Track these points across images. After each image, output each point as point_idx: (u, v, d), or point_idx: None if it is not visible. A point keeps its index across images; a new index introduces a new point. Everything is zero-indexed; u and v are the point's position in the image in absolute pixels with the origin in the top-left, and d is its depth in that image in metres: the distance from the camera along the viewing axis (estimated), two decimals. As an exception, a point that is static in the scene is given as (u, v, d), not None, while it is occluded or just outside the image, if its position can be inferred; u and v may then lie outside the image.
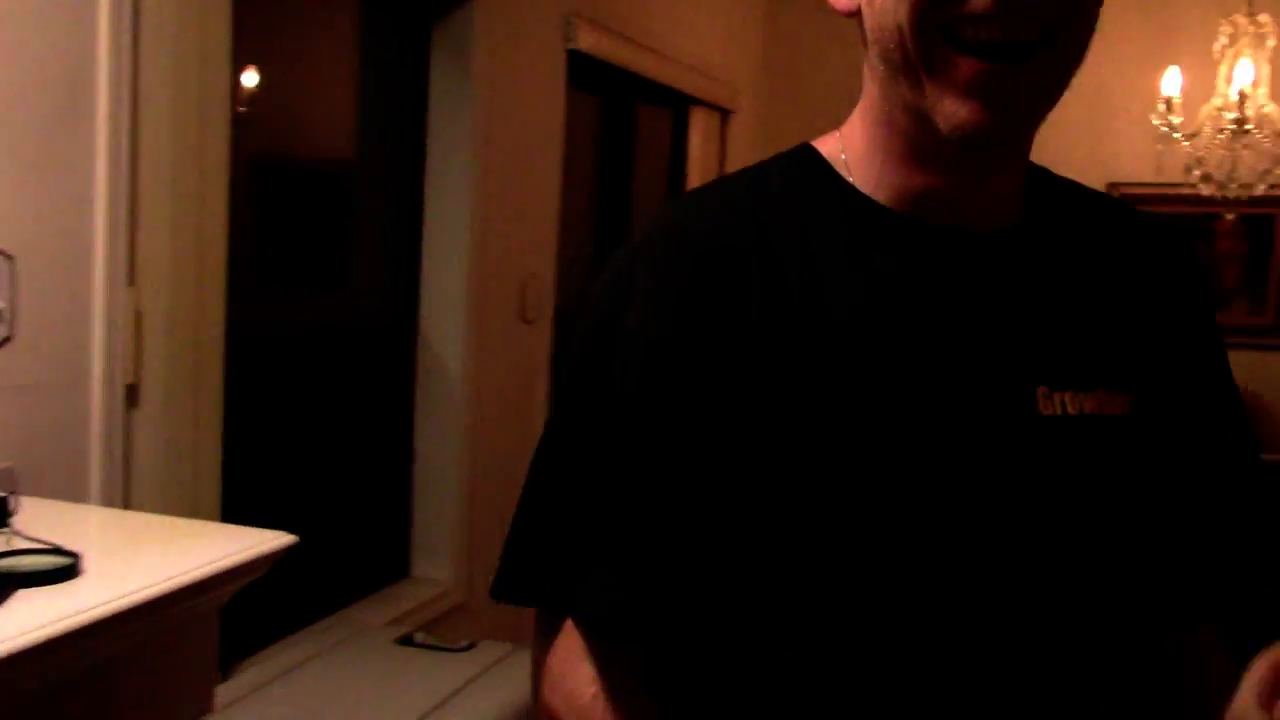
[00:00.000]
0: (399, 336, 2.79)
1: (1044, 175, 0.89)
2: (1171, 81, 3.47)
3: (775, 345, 0.76)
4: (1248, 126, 3.30)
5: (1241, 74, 3.29)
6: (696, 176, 4.35)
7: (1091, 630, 0.79)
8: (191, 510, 1.92)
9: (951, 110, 0.74)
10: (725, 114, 4.50)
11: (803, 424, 0.75)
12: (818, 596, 0.75)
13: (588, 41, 3.23)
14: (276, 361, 2.42)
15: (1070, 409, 0.79)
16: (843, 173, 0.83)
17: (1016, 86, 0.73)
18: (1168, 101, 3.47)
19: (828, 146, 0.86)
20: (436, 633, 2.65)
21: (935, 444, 0.76)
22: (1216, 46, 3.50)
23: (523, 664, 2.02)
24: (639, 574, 0.76)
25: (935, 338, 0.78)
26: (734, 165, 4.79)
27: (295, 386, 2.50)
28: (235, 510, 2.05)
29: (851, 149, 0.84)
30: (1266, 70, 3.38)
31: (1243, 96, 3.28)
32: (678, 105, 4.27)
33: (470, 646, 2.03)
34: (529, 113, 3.05)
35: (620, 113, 3.91)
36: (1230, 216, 4.04)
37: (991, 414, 0.78)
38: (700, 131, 4.34)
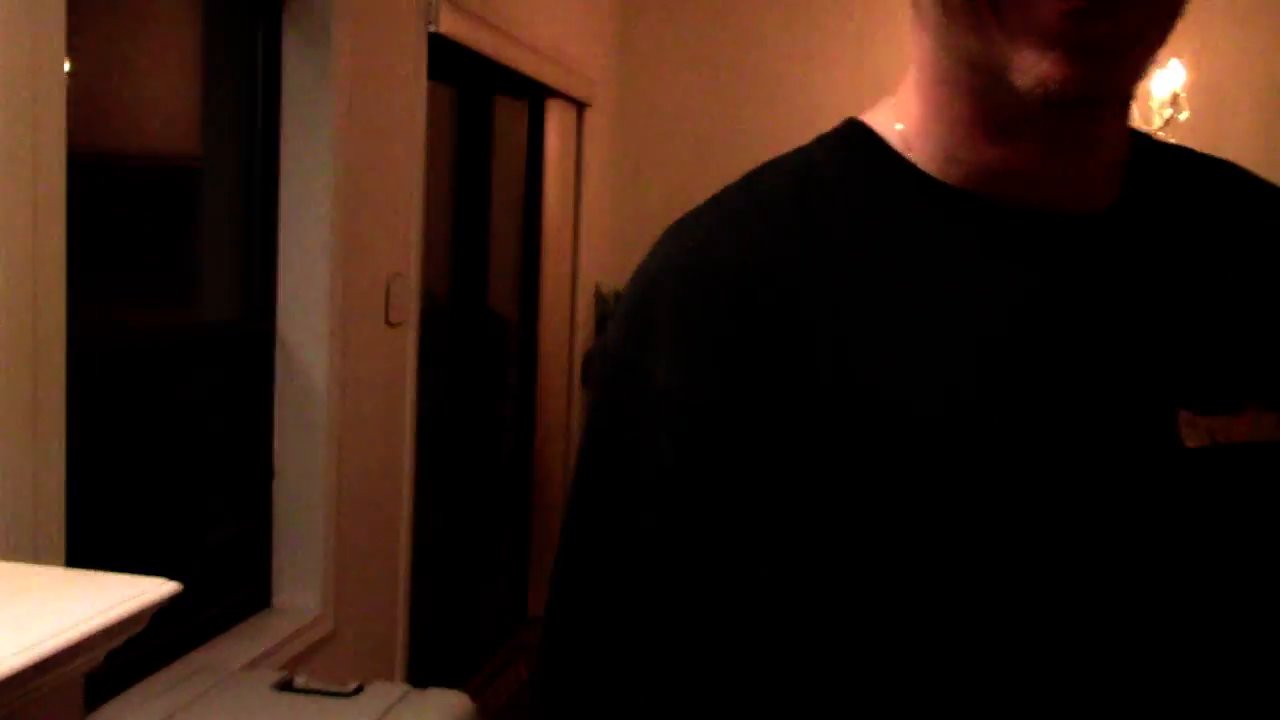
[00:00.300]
0: (255, 343, 2.54)
1: (1145, 141, 0.72)
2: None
3: (849, 389, 0.60)
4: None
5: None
6: (554, 172, 4.20)
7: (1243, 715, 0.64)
8: (32, 553, 1.67)
9: (1030, 63, 0.58)
10: (581, 107, 4.36)
11: (897, 488, 0.59)
12: (930, 703, 0.60)
13: (449, 24, 3.03)
14: (114, 374, 2.15)
15: (1219, 437, 0.62)
16: (901, 150, 0.67)
17: (1113, 31, 0.57)
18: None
19: (880, 119, 0.69)
20: (307, 669, 2.43)
21: (1070, 500, 0.60)
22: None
23: (422, 706, 1.84)
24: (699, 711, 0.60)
25: (1052, 359, 0.62)
26: (590, 161, 4.66)
27: (137, 401, 2.24)
28: (74, 542, 1.80)
29: (909, 119, 0.67)
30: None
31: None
32: (534, 97, 4.10)
33: (360, 689, 1.82)
34: (390, 100, 2.84)
35: (478, 105, 3.71)
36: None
37: (1129, 452, 0.61)
38: (557, 125, 4.18)
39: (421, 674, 3.19)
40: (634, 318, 0.65)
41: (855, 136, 0.69)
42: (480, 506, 3.90)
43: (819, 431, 0.60)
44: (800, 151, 0.70)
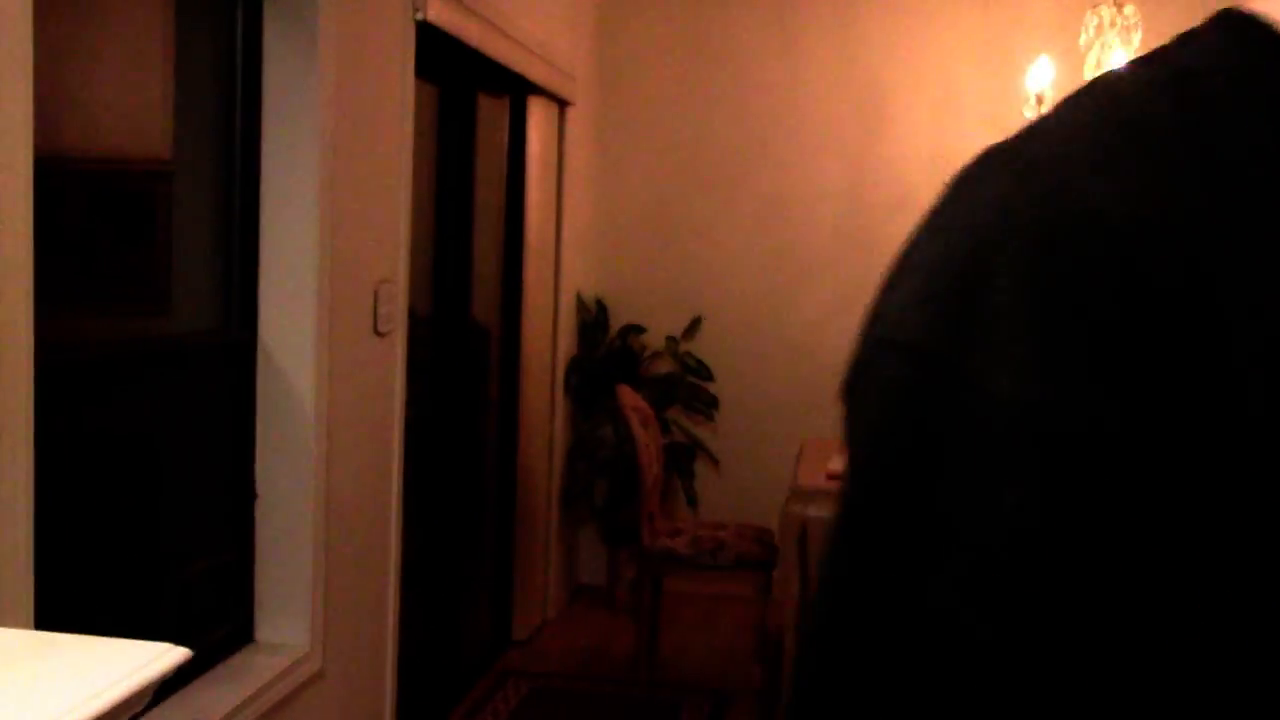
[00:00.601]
0: (235, 353, 2.34)
1: None
2: (1043, 73, 3.38)
3: None
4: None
5: (1114, 66, 3.23)
6: (536, 173, 4.02)
7: None
8: None
9: None
10: (563, 105, 4.18)
11: None
12: None
13: (436, 12, 2.85)
14: (84, 389, 1.95)
15: None
16: None
17: None
18: (1039, 97, 3.38)
19: None
20: (296, 712, 2.24)
21: None
22: (1082, 40, 3.43)
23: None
24: None
25: None
26: (572, 161, 4.47)
27: (108, 418, 2.04)
28: (39, 573, 1.60)
29: None
30: (1136, 63, 3.33)
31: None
32: (517, 93, 3.92)
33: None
34: (377, 94, 2.65)
35: (460, 103, 3.53)
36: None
37: None
38: (539, 123, 4.01)
39: (408, 704, 2.99)
40: (949, 295, 0.44)
41: (1249, 34, 0.47)
42: (463, 525, 3.70)
43: (1258, 481, 0.40)
44: (1162, 57, 0.48)
